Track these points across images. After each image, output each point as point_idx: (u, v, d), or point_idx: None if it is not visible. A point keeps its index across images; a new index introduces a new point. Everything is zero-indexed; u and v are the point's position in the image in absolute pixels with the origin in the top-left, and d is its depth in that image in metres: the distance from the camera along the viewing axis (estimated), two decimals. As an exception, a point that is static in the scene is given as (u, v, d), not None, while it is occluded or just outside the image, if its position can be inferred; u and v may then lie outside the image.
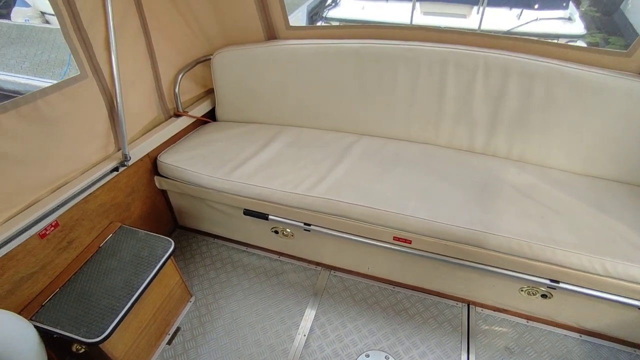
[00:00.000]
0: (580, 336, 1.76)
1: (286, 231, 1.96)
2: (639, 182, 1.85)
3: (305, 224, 1.83)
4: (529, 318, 1.83)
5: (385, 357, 1.70)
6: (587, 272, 1.50)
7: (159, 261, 1.57)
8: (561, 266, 1.52)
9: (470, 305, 1.89)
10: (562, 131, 1.86)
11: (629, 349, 1.72)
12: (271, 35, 2.17)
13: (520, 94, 1.84)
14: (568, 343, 1.74)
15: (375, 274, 1.99)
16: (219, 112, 2.40)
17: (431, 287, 1.93)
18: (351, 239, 1.78)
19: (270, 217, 1.87)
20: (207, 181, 1.90)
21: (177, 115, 2.15)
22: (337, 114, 2.20)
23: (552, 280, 1.56)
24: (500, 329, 1.80)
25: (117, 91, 1.63)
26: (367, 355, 1.70)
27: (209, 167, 1.95)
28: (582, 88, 1.74)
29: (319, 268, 2.09)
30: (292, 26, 2.12)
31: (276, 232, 1.99)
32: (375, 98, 2.08)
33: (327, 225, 1.80)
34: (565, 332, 1.78)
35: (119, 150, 1.79)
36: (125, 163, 1.75)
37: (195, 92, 2.33)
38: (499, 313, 1.86)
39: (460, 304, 1.90)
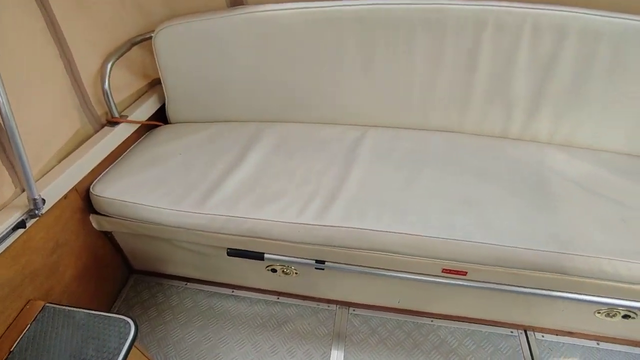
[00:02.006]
0: (652, 349, 1.47)
1: (289, 269, 1.46)
2: None
3: (317, 261, 1.34)
4: (599, 339, 1.50)
5: None
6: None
7: (115, 361, 1.02)
8: (663, 286, 1.17)
9: (528, 332, 1.53)
10: (627, 106, 1.47)
11: None
12: (236, -1, 1.57)
13: (578, 60, 1.41)
14: (646, 362, 1.44)
15: (408, 307, 1.56)
16: (171, 112, 1.77)
17: (480, 316, 1.53)
18: (383, 274, 1.32)
19: (267, 256, 1.36)
20: (170, 217, 1.33)
21: (112, 122, 1.52)
22: (334, 102, 1.67)
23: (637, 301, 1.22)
24: (567, 357, 1.46)
25: (2, 102, 0.99)
26: None
27: (170, 195, 1.37)
28: (661, 49, 1.35)
29: (332, 307, 1.61)
30: (264, -16, 1.53)
31: (274, 270, 1.48)
32: (385, 78, 1.57)
33: (348, 261, 1.32)
34: (623, 347, 1.48)
35: (22, 192, 1.16)
36: (37, 212, 1.13)
37: (135, 86, 1.68)
38: (563, 337, 1.51)
39: (516, 332, 1.52)
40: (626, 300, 1.23)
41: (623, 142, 1.56)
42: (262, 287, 1.64)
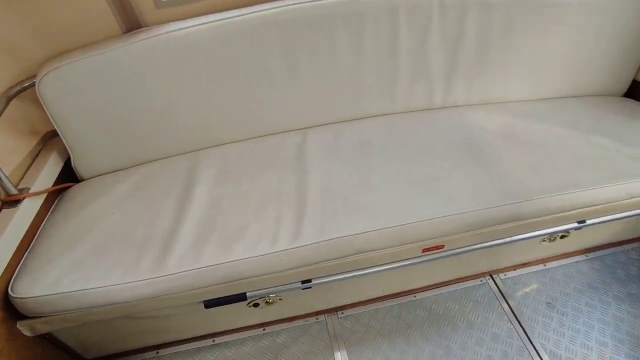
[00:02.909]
0: (587, 256, 1.76)
1: (272, 299, 1.38)
2: (586, 92, 1.86)
3: (303, 281, 1.28)
4: (545, 261, 1.74)
5: None
6: (613, 202, 1.41)
7: None
8: (591, 206, 1.39)
9: (493, 275, 1.70)
10: (522, 59, 1.67)
11: (621, 247, 1.79)
12: (133, 22, 1.35)
13: (479, 29, 1.55)
14: (582, 267, 1.72)
15: (391, 291, 1.60)
16: (80, 167, 1.50)
17: (453, 277, 1.65)
18: (368, 273, 1.33)
19: (249, 294, 1.26)
20: (127, 292, 1.13)
21: (11, 202, 1.22)
22: (265, 113, 1.58)
23: (579, 222, 1.44)
24: (530, 286, 1.66)
25: None
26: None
27: (119, 266, 1.16)
28: (539, 6, 1.55)
29: (320, 317, 1.58)
30: (166, 0, 1.34)
31: (256, 305, 1.39)
32: (313, 78, 1.53)
33: (334, 272, 1.29)
34: (573, 259, 1.76)
35: None
36: None
37: (24, 148, 1.37)
38: (520, 270, 1.72)
39: (484, 279, 1.68)
40: (563, 225, 1.43)
41: (527, 90, 1.79)
42: (244, 325, 1.53)
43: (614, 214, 1.46)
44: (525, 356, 1.44)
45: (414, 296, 1.62)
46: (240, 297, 1.25)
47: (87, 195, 1.41)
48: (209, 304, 1.23)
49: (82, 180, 1.52)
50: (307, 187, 1.37)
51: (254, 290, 1.25)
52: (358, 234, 1.23)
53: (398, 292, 1.61)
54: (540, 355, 1.44)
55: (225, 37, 1.37)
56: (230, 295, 1.24)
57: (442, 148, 1.53)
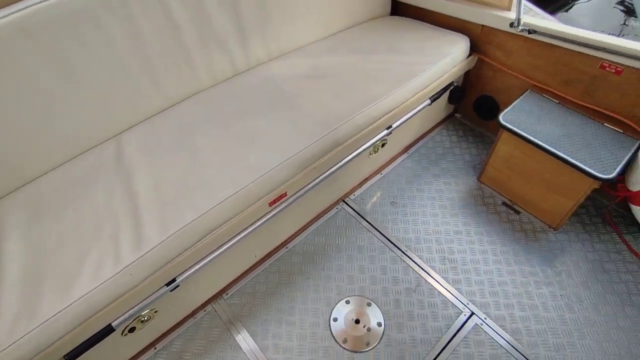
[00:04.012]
0: (407, 153, 2.11)
1: (145, 315, 1.29)
2: (363, 19, 2.13)
3: (168, 284, 1.24)
4: (379, 171, 2.02)
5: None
6: (405, 102, 1.69)
7: None
8: (390, 111, 1.64)
9: (345, 199, 1.91)
10: (299, 4, 1.80)
11: (428, 136, 2.20)
12: None
13: None
14: (406, 163, 2.06)
15: (263, 253, 1.67)
16: None
17: (311, 216, 1.79)
18: (229, 246, 1.35)
19: (115, 324, 1.15)
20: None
21: None
22: (63, 132, 1.37)
23: (387, 128, 1.70)
24: (375, 195, 1.92)
25: None
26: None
27: None
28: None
29: (208, 307, 1.56)
30: None
31: (132, 329, 1.29)
32: (97, 77, 1.38)
33: (196, 260, 1.28)
34: (398, 159, 2.09)
35: None
36: None
37: None
38: (363, 186, 1.97)
39: (339, 206, 1.88)
40: (377, 135, 1.67)
41: (316, 32, 1.96)
42: (132, 355, 1.42)
43: (409, 112, 1.76)
44: (386, 252, 1.70)
45: (286, 247, 1.73)
46: (107, 331, 1.15)
47: None
48: (72, 355, 1.10)
49: None
50: (136, 191, 1.29)
51: (119, 317, 1.16)
52: (204, 213, 1.22)
53: (270, 250, 1.69)
54: (397, 245, 1.72)
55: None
56: (94, 335, 1.13)
57: (257, 106, 1.58)
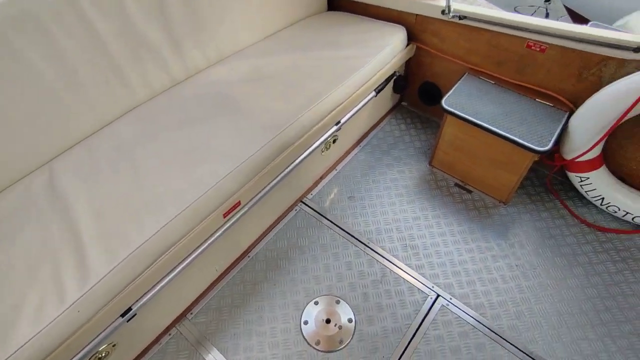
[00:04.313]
0: (360, 146, 2.13)
1: (102, 351, 1.21)
2: (300, 17, 2.11)
3: (122, 314, 1.16)
4: (334, 166, 2.02)
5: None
6: (350, 96, 1.70)
7: None
8: (336, 107, 1.64)
9: (303, 200, 1.89)
10: (233, 7, 1.75)
11: (377, 128, 2.23)
12: None
13: None
14: (359, 156, 2.08)
15: (225, 265, 1.61)
16: None
17: (271, 221, 1.76)
18: (186, 265, 1.29)
19: None
20: None
21: None
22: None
23: (336, 124, 1.70)
24: (332, 192, 1.92)
25: None
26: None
27: None
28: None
29: (172, 331, 1.49)
30: None
31: (89, 368, 1.20)
32: (20, 107, 1.27)
33: (152, 284, 1.21)
34: (351, 154, 2.10)
35: None
36: None
37: None
38: (320, 184, 1.96)
39: (297, 207, 1.86)
40: (327, 131, 1.66)
41: (253, 34, 1.91)
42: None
43: (356, 106, 1.77)
44: (350, 247, 1.71)
45: (248, 256, 1.69)
46: (62, 375, 1.06)
47: None
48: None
49: None
50: (75, 221, 1.19)
51: (72, 358, 1.07)
52: (153, 235, 1.16)
53: (232, 262, 1.64)
54: (360, 239, 1.73)
55: None
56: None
57: (200, 115, 1.52)
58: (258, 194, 1.44)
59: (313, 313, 1.51)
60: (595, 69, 1.55)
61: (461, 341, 1.44)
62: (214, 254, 1.49)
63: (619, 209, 1.72)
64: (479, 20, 1.69)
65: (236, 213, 1.38)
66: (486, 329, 1.47)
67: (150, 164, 1.34)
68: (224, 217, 1.34)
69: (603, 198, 1.73)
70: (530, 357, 1.40)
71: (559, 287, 1.57)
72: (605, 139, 1.55)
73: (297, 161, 1.56)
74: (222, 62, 1.81)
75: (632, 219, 1.71)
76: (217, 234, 1.34)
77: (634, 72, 1.44)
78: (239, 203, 1.37)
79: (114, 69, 1.47)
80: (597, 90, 1.52)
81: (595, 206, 1.82)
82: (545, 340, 1.44)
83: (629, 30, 1.50)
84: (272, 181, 1.48)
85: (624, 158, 1.70)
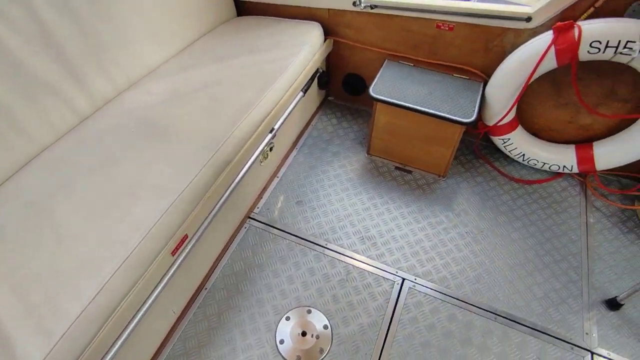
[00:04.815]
0: (297, 149, 2.09)
1: None
2: (212, 26, 2.00)
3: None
4: (275, 175, 1.96)
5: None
6: (279, 102, 1.65)
7: None
8: (267, 115, 1.58)
9: (250, 215, 1.80)
10: (135, 24, 1.58)
11: (309, 127, 2.21)
12: None
13: (69, 20, 1.33)
14: (298, 159, 2.04)
15: (182, 305, 1.48)
16: None
17: (222, 245, 1.65)
18: (139, 319, 1.15)
19: None
20: None
21: None
22: None
23: (270, 131, 1.64)
24: (279, 200, 1.86)
25: None
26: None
27: None
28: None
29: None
30: None
31: None
32: None
33: (105, 350, 1.05)
34: (290, 158, 2.05)
35: None
36: None
37: None
38: (265, 195, 1.89)
39: (247, 224, 1.77)
40: (263, 141, 1.60)
41: (164, 50, 1.77)
42: None
43: (287, 109, 1.72)
44: (308, 253, 1.67)
45: (205, 289, 1.57)
46: None
47: None
48: None
49: None
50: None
51: None
52: (93, 299, 1.01)
53: (189, 299, 1.51)
54: (316, 242, 1.70)
55: None
56: None
57: (121, 148, 1.36)
58: (204, 221, 1.34)
59: (287, 330, 1.46)
60: (497, 40, 1.68)
61: (434, 317, 1.49)
62: (168, 296, 1.36)
63: (538, 161, 1.90)
64: (390, 7, 1.73)
65: (185, 247, 1.27)
66: (453, 299, 1.53)
67: (73, 217, 1.16)
68: (173, 254, 1.22)
69: (524, 154, 1.90)
70: (496, 314, 1.49)
71: (505, 243, 1.70)
72: (517, 102, 1.69)
73: (238, 178, 1.48)
74: (133, 87, 1.64)
75: (549, 167, 1.90)
76: (168, 275, 1.22)
77: (529, 39, 1.58)
78: (186, 237, 1.26)
79: (5, 117, 1.25)
80: (503, 59, 1.65)
81: (519, 162, 2.00)
82: (505, 294, 1.55)
83: (523, 3, 1.64)
84: (216, 204, 1.38)
85: (534, 116, 1.88)
